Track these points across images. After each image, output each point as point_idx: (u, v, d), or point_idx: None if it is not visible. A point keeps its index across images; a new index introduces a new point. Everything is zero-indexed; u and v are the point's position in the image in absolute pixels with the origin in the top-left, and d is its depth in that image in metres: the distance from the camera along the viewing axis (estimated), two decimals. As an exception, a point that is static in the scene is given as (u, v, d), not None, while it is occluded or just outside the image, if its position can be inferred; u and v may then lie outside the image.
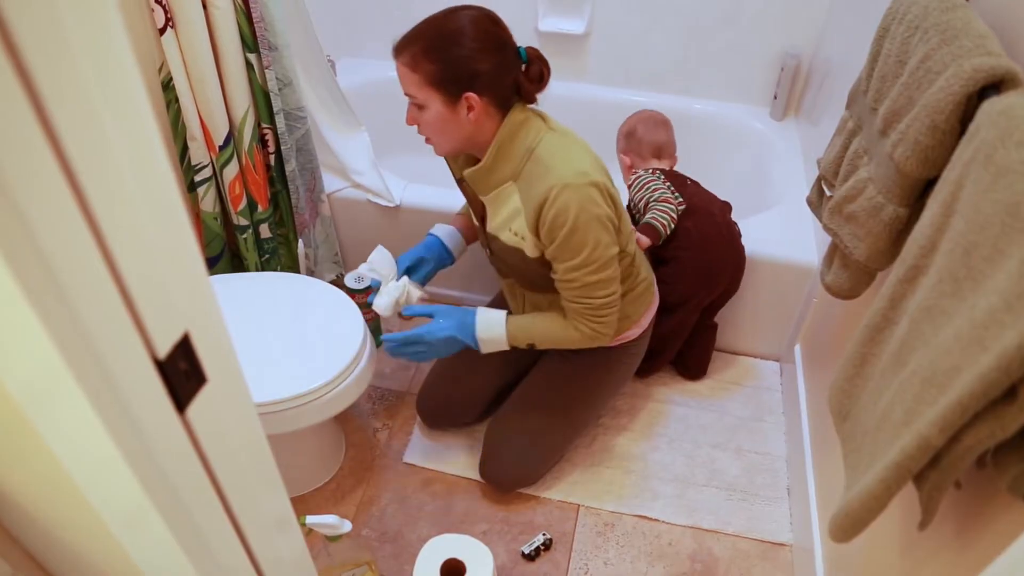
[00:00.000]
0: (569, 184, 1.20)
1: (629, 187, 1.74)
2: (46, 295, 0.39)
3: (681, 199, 1.66)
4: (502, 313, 1.41)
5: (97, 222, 0.41)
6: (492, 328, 1.39)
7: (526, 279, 1.43)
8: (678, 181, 1.71)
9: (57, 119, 0.37)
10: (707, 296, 1.72)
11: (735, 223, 1.70)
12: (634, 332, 1.52)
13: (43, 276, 0.39)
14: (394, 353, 1.43)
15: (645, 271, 1.52)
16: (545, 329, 1.38)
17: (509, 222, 1.31)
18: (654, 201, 1.65)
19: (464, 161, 1.40)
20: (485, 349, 1.41)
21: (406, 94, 1.24)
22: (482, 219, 1.40)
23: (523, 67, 1.26)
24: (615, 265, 1.31)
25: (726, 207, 1.72)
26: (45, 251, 0.38)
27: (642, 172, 1.72)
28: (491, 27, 1.21)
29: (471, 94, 1.20)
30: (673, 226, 1.63)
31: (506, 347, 1.41)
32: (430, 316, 1.42)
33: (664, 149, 1.78)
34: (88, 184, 0.40)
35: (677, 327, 1.74)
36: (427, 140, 1.30)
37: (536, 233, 1.28)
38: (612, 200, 1.28)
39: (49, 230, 0.38)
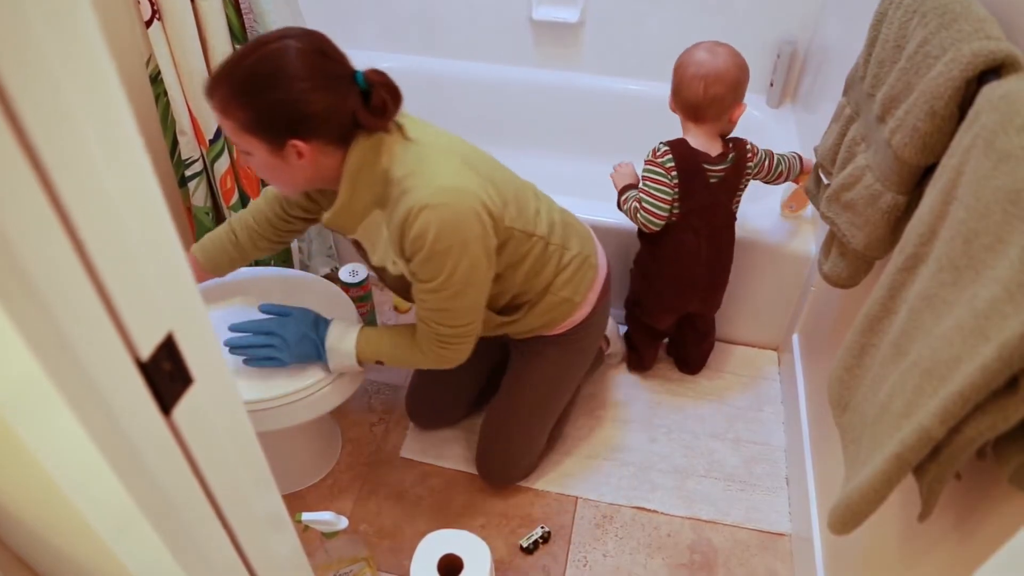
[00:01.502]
0: (427, 205, 1.07)
1: (648, 160, 1.49)
2: (21, 298, 0.38)
3: (669, 213, 1.48)
4: (357, 326, 1.29)
5: (72, 222, 0.40)
6: (343, 339, 1.27)
7: None
8: (696, 182, 1.46)
9: (26, 116, 0.36)
10: (676, 310, 1.68)
11: (729, 239, 1.58)
12: (581, 314, 1.40)
13: (17, 279, 0.37)
14: (244, 351, 1.27)
15: (577, 245, 1.36)
16: (393, 347, 1.27)
17: (388, 253, 1.19)
18: (645, 202, 1.48)
19: (329, 197, 1.25)
20: (333, 361, 1.28)
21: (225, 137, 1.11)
22: (363, 253, 1.28)
23: (362, 96, 1.08)
24: (477, 295, 1.18)
25: (730, 219, 1.57)
26: (18, 253, 0.37)
27: (656, 164, 1.47)
28: (318, 60, 1.02)
29: (296, 141, 1.03)
30: (636, 224, 1.53)
31: (354, 362, 1.27)
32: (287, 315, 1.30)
33: (703, 110, 1.43)
34: (61, 183, 0.39)
35: (654, 326, 1.72)
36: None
37: (403, 257, 1.16)
38: (490, 213, 1.13)
39: (22, 232, 0.37)
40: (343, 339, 1.27)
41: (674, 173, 1.47)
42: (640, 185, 1.51)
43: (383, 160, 1.11)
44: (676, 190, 1.48)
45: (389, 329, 1.30)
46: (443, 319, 1.19)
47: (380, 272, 1.27)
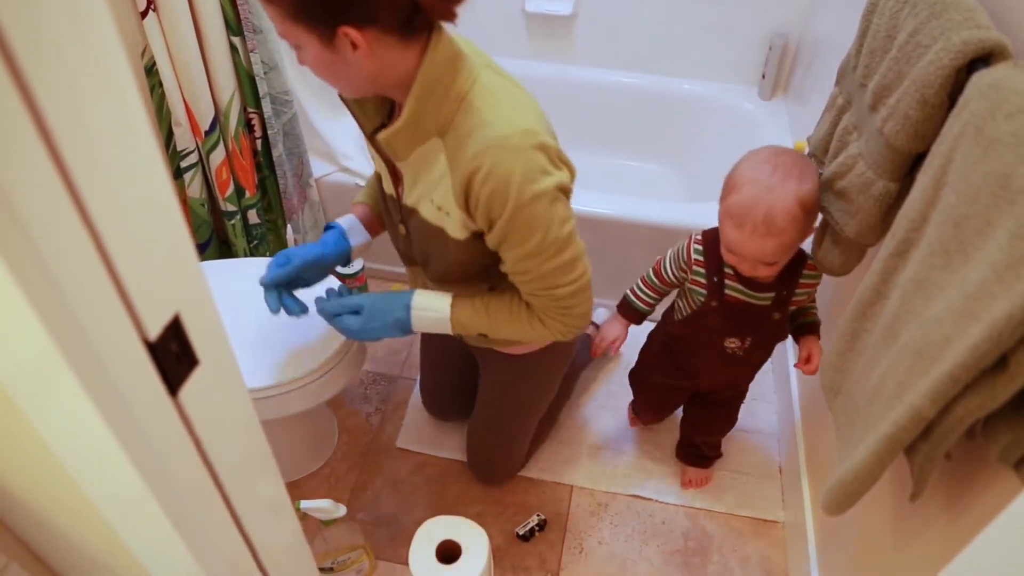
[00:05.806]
0: (511, 146, 0.92)
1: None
2: (35, 278, 0.38)
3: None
4: (447, 299, 1.15)
5: (85, 204, 0.41)
6: (429, 318, 1.16)
7: (439, 270, 1.14)
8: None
9: (43, 102, 0.37)
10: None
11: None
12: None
13: (31, 259, 0.38)
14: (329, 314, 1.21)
15: None
16: (503, 322, 1.12)
17: (431, 191, 1.02)
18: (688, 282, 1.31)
19: (375, 107, 1.06)
20: (417, 317, 1.16)
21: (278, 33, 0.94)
22: (397, 185, 1.11)
23: None
24: (576, 240, 1.04)
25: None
26: (33, 234, 0.38)
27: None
28: None
29: (348, 28, 0.87)
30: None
31: (449, 332, 1.17)
32: (356, 312, 1.19)
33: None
34: (75, 166, 0.39)
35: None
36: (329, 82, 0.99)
37: (466, 209, 1.00)
38: (565, 163, 1.01)
39: (37, 213, 0.38)
40: (429, 319, 1.15)
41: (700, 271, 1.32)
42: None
43: (461, 79, 0.96)
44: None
45: (491, 302, 1.13)
46: (555, 279, 1.04)
47: (405, 214, 1.11)
